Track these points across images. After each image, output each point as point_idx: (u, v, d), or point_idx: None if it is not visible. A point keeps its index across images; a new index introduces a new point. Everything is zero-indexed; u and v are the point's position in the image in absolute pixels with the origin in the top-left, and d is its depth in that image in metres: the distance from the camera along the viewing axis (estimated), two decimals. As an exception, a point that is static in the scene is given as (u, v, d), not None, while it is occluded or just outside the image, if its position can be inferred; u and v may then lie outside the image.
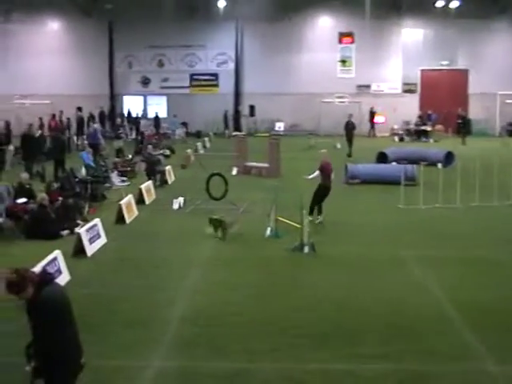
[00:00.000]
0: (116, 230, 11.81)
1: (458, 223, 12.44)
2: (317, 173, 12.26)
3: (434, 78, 36.55)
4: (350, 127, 24.09)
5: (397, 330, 6.84)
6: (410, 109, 35.45)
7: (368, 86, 36.72)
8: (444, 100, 35.59)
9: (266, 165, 19.23)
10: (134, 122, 32.47)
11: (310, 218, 11.21)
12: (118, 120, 27.64)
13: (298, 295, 7.98)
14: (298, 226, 10.31)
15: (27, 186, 12.55)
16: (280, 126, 36.43)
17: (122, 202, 12.66)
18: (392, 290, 8.16)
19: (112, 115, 34.84)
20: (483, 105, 35.37)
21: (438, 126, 33.98)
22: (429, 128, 33.04)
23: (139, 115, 32.74)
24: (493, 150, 22.88)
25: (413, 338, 6.62)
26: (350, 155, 23.23)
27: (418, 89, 36.88)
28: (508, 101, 34.33)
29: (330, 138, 29.61)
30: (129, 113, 35.49)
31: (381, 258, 9.68)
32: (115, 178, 16.89)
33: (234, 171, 19.01)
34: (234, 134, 33.40)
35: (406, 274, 8.87)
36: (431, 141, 31.27)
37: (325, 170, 12.24)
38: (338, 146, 24.22)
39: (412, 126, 34.00)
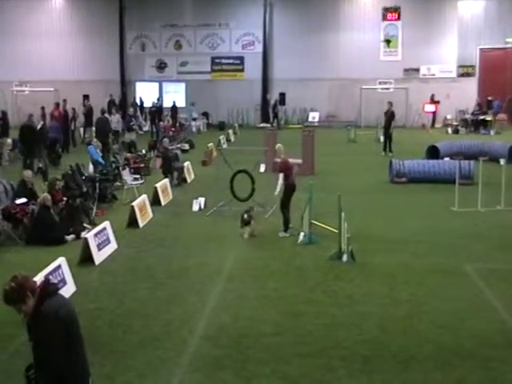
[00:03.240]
0: (128, 234, 11.90)
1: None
2: (280, 181, 11.86)
3: (497, 59, 35.79)
4: (388, 117, 23.63)
5: (454, 356, 6.69)
6: (466, 95, 34.87)
7: (417, 70, 36.27)
8: (508, 84, 34.87)
9: (298, 161, 19.12)
10: (150, 111, 32.73)
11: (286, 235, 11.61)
12: (131, 110, 27.94)
13: (337, 311, 7.90)
14: (335, 230, 10.22)
15: (29, 186, 12.69)
16: (314, 117, 36.30)
17: (134, 203, 12.75)
18: (449, 309, 8.00)
19: (123, 104, 35.21)
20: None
21: (501, 116, 33.34)
22: (489, 117, 32.48)
23: (155, 104, 32.95)
24: None
25: (472, 366, 6.47)
26: (385, 149, 23.01)
27: (477, 72, 36.19)
28: None
29: (372, 129, 29.41)
30: (141, 102, 35.81)
31: (433, 270, 9.52)
32: (127, 176, 17.04)
33: (262, 168, 18.98)
34: (262, 125, 33.64)
35: (465, 290, 8.69)
36: (492, 133, 30.71)
37: (285, 171, 12.02)
38: (382, 138, 24.00)
39: (469, 116, 33.50)
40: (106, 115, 23.13)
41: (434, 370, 6.36)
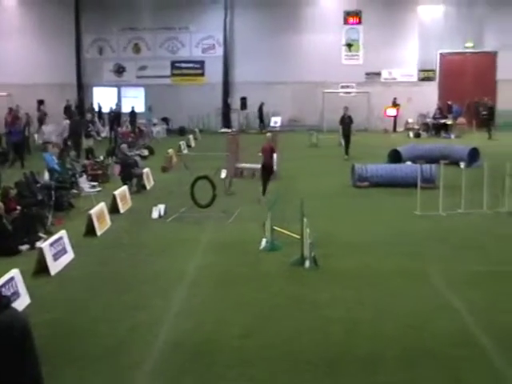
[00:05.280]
0: (85, 243, 11.79)
1: (487, 232, 12.49)
2: (260, 154, 15.93)
3: (457, 63, 36.71)
4: (346, 122, 24.03)
5: (418, 356, 6.85)
6: (427, 99, 35.62)
7: (378, 74, 36.92)
8: (468, 88, 35.73)
9: (259, 166, 19.24)
10: (108, 117, 32.49)
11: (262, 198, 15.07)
12: (88, 115, 27.64)
13: (302, 316, 7.99)
14: (297, 236, 10.33)
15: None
16: (276, 121, 36.53)
17: (92, 212, 12.64)
18: (413, 310, 8.18)
19: (80, 109, 34.81)
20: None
21: (461, 119, 34.18)
22: (450, 121, 33.27)
23: (114, 109, 32.69)
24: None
25: (437, 365, 6.64)
26: (346, 154, 23.47)
27: (437, 76, 37.02)
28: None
29: (334, 134, 29.74)
30: (99, 107, 35.48)
31: (396, 273, 9.71)
32: (84, 183, 16.88)
33: (223, 174, 19.02)
34: (223, 130, 33.70)
35: (427, 292, 8.90)
36: (452, 136, 31.46)
37: (263, 152, 15.90)
38: (343, 142, 24.35)
39: (430, 120, 34.22)
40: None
41: (400, 371, 6.50)
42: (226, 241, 11.82)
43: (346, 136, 23.87)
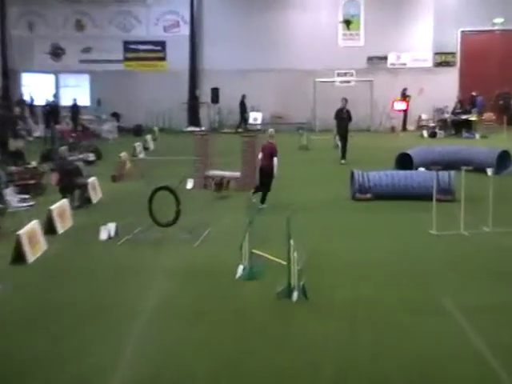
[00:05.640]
0: (13, 273, 11.76)
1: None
2: (259, 155, 17.00)
3: (482, 45, 37.13)
4: (343, 117, 24.23)
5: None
6: (445, 90, 36.11)
7: (384, 59, 37.34)
8: (496, 76, 36.20)
9: (236, 174, 19.40)
10: (43, 112, 32.36)
11: (253, 199, 16.43)
12: (17, 109, 27.56)
13: (285, 361, 8.06)
14: (283, 262, 10.43)
15: None
16: (256, 118, 36.78)
17: (21, 232, 12.62)
18: (423, 352, 8.28)
19: (6, 102, 34.63)
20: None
21: (488, 115, 34.63)
22: (474, 117, 33.71)
23: (50, 102, 32.59)
24: None
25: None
26: (343, 157, 23.83)
27: (458, 60, 37.49)
28: None
29: (328, 133, 29.97)
30: (31, 99, 35.36)
31: (402, 307, 9.83)
32: (11, 196, 16.82)
33: (190, 184, 19.12)
34: (190, 129, 33.79)
35: (441, 330, 9.00)
36: (477, 136, 31.94)
37: (262, 150, 16.88)
38: (340, 144, 24.57)
39: (448, 116, 34.68)
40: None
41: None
42: (192, 268, 11.88)
43: (343, 135, 24.11)
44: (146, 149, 27.66)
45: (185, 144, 22.66)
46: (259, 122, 36.52)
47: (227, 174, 19.64)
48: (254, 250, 11.26)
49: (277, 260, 10.79)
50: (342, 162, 23.63)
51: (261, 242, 11.66)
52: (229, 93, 35.95)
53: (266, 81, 36.42)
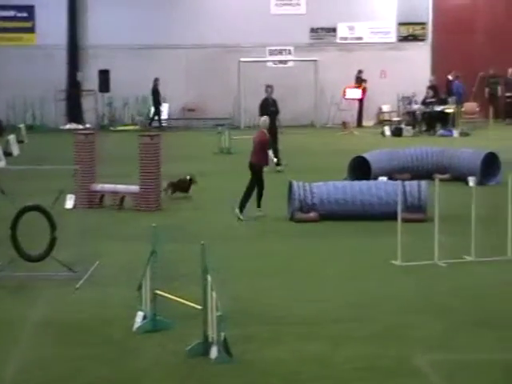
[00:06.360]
0: None
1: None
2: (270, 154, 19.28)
3: (461, 13, 37.89)
4: (270, 110, 24.58)
5: None
6: (414, 73, 36.72)
7: (332, 31, 37.72)
8: (479, 53, 36.93)
9: (133, 188, 19.27)
10: None
11: (240, 216, 17.96)
12: None
13: None
14: (196, 306, 10.36)
15: None
16: (162, 111, 36.81)
17: None
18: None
19: None
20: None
21: (470, 105, 35.29)
22: (451, 109, 34.24)
23: None
24: None
25: None
26: (279, 163, 24.14)
27: (430, 33, 38.14)
28: None
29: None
30: None
31: (365, 367, 9.83)
32: None
33: (70, 202, 18.84)
34: (69, 127, 33.44)
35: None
36: (455, 133, 32.53)
37: (253, 142, 18.74)
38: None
39: (418, 106, 35.14)
40: None
41: None
42: (72, 319, 11.69)
43: (273, 134, 24.26)
44: (7, 154, 27.21)
45: (63, 147, 22.37)
46: (166, 116, 36.47)
47: (121, 187, 19.47)
48: (157, 291, 11.14)
49: (189, 304, 10.71)
50: (278, 168, 23.75)
51: (167, 280, 11.57)
52: (123, 77, 35.82)
53: (173, 61, 36.49)
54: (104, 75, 36.41)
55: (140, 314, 11.18)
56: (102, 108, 36.90)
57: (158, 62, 36.26)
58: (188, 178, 20.65)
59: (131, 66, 35.89)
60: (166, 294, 11.18)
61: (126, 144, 21.72)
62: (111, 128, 34.90)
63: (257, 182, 18.47)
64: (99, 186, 19.66)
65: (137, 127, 34.32)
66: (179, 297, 11.06)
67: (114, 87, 36.37)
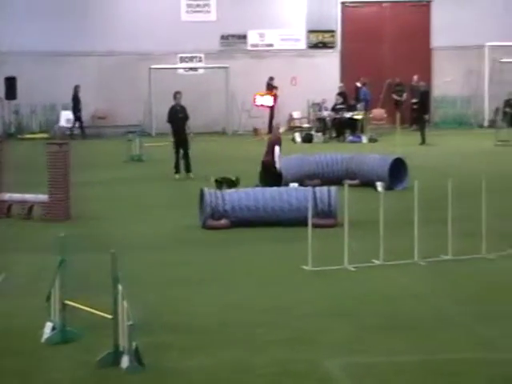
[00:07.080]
0: None
1: (420, 296, 13.04)
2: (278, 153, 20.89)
3: (369, 20, 38.42)
4: (179, 117, 24.97)
5: None
6: (323, 79, 37.07)
7: (242, 38, 37.80)
8: (385, 61, 37.49)
9: (42, 197, 19.05)
10: None
11: None
12: None
13: None
14: (107, 316, 10.28)
15: None
16: (69, 119, 36.86)
17: None
18: None
19: None
20: (461, 68, 37.66)
21: (378, 112, 35.77)
22: (360, 115, 34.71)
23: None
24: (479, 155, 24.53)
25: None
26: (188, 170, 24.34)
27: (339, 41, 38.50)
28: (505, 59, 36.89)
29: (169, 138, 29.84)
30: None
31: (276, 373, 9.83)
32: None
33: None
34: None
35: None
36: (364, 139, 33.01)
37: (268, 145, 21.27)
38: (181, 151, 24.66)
39: (328, 113, 35.50)
40: None
41: None
42: None
43: (183, 141, 24.40)
44: None
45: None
46: (76, 124, 36.25)
47: (30, 197, 19.25)
48: (67, 301, 11.01)
49: (99, 313, 10.62)
50: (191, 175, 23.76)
51: (78, 290, 11.45)
52: (31, 84, 35.48)
53: (83, 68, 36.28)
54: (10, 82, 35.90)
55: (49, 325, 10.99)
56: (9, 116, 36.36)
57: (69, 70, 35.95)
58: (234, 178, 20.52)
59: (40, 73, 35.46)
60: (76, 304, 11.06)
61: (34, 152, 21.42)
62: (19, 136, 34.38)
63: (268, 183, 19.68)
64: (7, 196, 19.40)
65: (45, 135, 33.83)
66: (90, 307, 10.93)
67: (21, 94, 35.87)
